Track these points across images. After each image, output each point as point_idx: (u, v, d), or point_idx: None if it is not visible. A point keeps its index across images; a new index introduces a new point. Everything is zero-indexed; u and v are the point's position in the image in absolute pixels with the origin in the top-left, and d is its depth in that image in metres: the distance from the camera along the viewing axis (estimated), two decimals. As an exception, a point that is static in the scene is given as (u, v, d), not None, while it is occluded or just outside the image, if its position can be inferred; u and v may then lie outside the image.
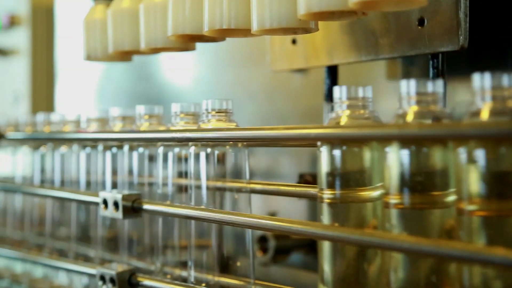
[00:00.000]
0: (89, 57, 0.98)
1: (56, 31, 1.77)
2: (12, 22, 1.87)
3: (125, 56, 0.98)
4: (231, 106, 0.79)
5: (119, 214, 0.84)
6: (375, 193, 0.63)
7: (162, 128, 0.90)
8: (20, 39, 1.85)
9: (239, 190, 0.80)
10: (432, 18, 0.76)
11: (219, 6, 0.73)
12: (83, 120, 1.08)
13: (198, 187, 0.80)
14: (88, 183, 1.06)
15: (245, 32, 0.75)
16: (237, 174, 0.80)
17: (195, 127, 0.81)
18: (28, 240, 1.19)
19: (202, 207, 0.79)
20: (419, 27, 0.78)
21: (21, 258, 1.10)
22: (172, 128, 0.83)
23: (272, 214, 1.10)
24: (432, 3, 0.75)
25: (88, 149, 1.05)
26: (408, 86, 0.59)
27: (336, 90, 0.66)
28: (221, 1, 0.73)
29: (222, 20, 0.73)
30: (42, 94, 1.83)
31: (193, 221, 0.80)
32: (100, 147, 1.01)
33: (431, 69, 0.78)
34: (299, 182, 0.99)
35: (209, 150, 0.79)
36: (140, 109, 0.92)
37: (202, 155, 0.79)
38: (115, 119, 0.98)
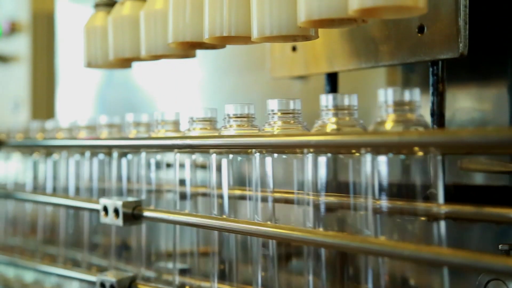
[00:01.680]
0: (89, 64, 0.99)
1: (56, 37, 1.77)
2: (13, 28, 1.87)
3: (125, 63, 0.98)
4: (253, 111, 0.76)
5: (119, 221, 0.84)
6: None
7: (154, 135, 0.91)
8: (20, 45, 1.86)
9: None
10: (432, 25, 0.77)
11: (220, 13, 0.73)
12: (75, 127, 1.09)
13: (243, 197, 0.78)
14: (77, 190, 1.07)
15: (245, 39, 0.75)
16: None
17: (215, 133, 0.81)
18: (26, 247, 1.19)
19: (202, 214, 0.79)
20: (419, 35, 0.78)
21: (22, 265, 1.10)
22: (187, 134, 0.83)
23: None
24: (431, 10, 0.75)
25: (99, 156, 1.06)
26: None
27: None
28: (222, 8, 0.73)
29: (223, 28, 0.73)
30: (43, 100, 1.83)
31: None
32: (115, 154, 1.01)
33: (431, 76, 0.78)
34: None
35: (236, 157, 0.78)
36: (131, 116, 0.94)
37: (224, 162, 0.78)
38: (102, 127, 1.01)
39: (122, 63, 0.98)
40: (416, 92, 0.59)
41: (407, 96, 0.58)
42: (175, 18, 0.80)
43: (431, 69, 0.78)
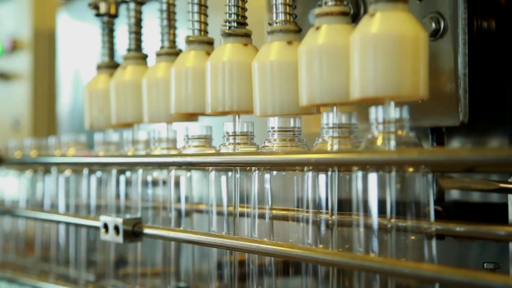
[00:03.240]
0: (92, 127, 0.99)
1: (57, 55, 1.78)
2: (14, 46, 1.89)
3: (127, 125, 0.98)
4: (252, 129, 0.76)
5: (119, 238, 0.84)
6: None
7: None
8: (22, 63, 1.87)
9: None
10: (432, 93, 0.74)
11: (222, 89, 0.74)
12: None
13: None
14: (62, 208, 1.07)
15: (247, 112, 0.75)
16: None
17: (211, 150, 0.81)
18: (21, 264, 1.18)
19: (202, 231, 0.79)
20: (419, 101, 0.77)
21: (17, 282, 1.10)
22: (183, 152, 0.83)
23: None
24: (432, 79, 0.73)
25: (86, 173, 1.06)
26: None
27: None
28: (224, 84, 0.73)
29: (225, 104, 0.73)
30: (44, 117, 1.84)
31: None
32: (114, 171, 1.01)
33: (431, 142, 0.78)
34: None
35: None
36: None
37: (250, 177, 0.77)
38: (100, 144, 1.01)
39: (124, 126, 0.98)
40: (406, 109, 0.59)
41: (397, 113, 0.59)
42: (177, 89, 0.80)
43: (431, 136, 0.78)
